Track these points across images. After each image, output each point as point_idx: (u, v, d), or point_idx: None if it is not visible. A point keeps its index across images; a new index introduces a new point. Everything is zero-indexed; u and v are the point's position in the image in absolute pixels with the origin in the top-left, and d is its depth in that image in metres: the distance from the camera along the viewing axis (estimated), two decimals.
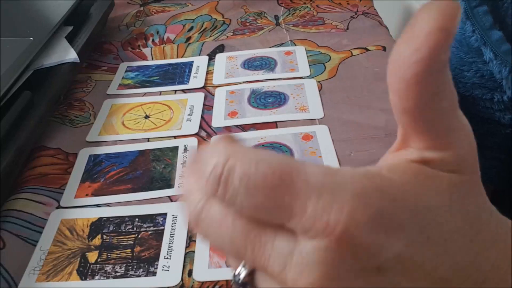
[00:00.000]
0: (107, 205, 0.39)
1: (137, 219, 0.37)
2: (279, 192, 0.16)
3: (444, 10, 0.15)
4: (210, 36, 0.64)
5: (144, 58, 0.60)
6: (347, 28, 0.62)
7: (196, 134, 0.46)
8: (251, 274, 0.18)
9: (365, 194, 0.16)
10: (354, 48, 0.58)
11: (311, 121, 0.46)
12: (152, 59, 0.60)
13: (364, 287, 0.16)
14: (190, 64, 0.57)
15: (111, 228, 0.37)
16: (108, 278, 0.33)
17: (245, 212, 0.16)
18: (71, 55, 0.52)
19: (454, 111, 0.17)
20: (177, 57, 0.59)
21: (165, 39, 0.64)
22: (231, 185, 0.16)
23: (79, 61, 0.52)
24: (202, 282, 0.32)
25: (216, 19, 0.68)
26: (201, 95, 0.52)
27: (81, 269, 0.34)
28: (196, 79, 0.54)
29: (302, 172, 0.16)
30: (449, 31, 0.15)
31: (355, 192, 0.15)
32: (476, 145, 0.18)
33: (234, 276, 0.18)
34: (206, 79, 0.54)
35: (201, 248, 0.35)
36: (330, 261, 0.15)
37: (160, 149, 0.44)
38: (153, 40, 0.64)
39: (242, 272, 0.18)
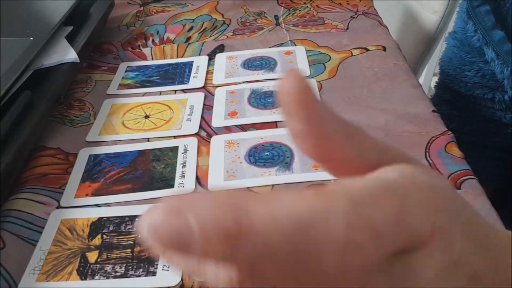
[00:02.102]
0: (107, 205, 0.39)
1: (137, 219, 0.37)
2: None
3: (292, 89, 0.15)
4: (210, 36, 0.63)
5: (144, 58, 0.60)
6: (347, 28, 0.62)
7: (196, 134, 0.46)
8: None
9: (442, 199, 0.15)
10: (354, 48, 0.58)
11: None
12: (152, 59, 0.60)
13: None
14: (190, 64, 0.57)
15: (111, 228, 0.37)
16: (108, 278, 0.33)
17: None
18: (71, 55, 0.52)
19: (358, 133, 0.17)
20: (177, 57, 0.59)
21: (165, 39, 0.64)
22: None
23: (79, 61, 0.52)
24: (202, 282, 0.32)
25: (216, 19, 0.68)
26: (201, 95, 0.52)
27: (81, 269, 0.34)
28: (196, 79, 0.54)
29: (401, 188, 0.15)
30: (308, 100, 0.15)
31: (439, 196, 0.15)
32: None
33: None
34: (206, 79, 0.54)
35: None
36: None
37: (160, 149, 0.44)
38: (153, 40, 0.64)
39: None
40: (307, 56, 0.57)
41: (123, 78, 0.56)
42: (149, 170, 0.42)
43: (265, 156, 0.42)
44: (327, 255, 0.12)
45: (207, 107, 0.50)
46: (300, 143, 0.16)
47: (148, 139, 0.46)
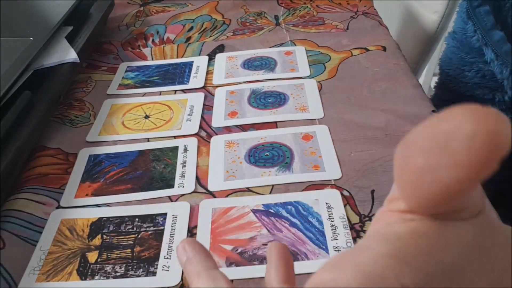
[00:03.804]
0: (107, 205, 0.39)
1: (137, 219, 0.37)
2: None
3: (498, 128, 0.12)
4: (210, 36, 0.63)
5: (144, 58, 0.60)
6: (347, 28, 0.62)
7: (196, 134, 0.46)
8: None
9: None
10: (354, 48, 0.58)
11: (311, 121, 0.46)
12: (152, 59, 0.60)
13: None
14: (190, 64, 0.57)
15: (111, 228, 0.37)
16: (108, 278, 0.33)
17: None
18: (71, 55, 0.52)
19: None
20: (177, 57, 0.59)
21: (165, 39, 0.64)
22: None
23: (79, 61, 0.52)
24: None
25: (216, 19, 0.68)
26: (201, 95, 0.52)
27: (81, 269, 0.34)
28: (196, 79, 0.54)
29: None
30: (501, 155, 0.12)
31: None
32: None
33: None
34: (206, 79, 0.54)
35: None
36: None
37: (160, 149, 0.44)
38: (153, 40, 0.64)
39: None
40: (307, 56, 0.57)
41: (123, 78, 0.56)
42: (149, 170, 0.42)
43: (265, 156, 0.42)
44: None
45: (207, 107, 0.50)
46: None
47: (148, 139, 0.46)
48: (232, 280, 0.32)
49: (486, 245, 0.15)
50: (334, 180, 0.39)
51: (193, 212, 0.37)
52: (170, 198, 0.39)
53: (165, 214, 0.37)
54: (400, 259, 0.14)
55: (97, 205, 0.39)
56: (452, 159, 0.12)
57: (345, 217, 0.36)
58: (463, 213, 0.15)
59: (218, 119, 0.48)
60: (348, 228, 0.35)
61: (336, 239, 0.34)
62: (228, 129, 0.46)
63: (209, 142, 0.45)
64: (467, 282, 0.15)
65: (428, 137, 0.13)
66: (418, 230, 0.15)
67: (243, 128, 0.46)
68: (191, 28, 0.66)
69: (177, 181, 0.40)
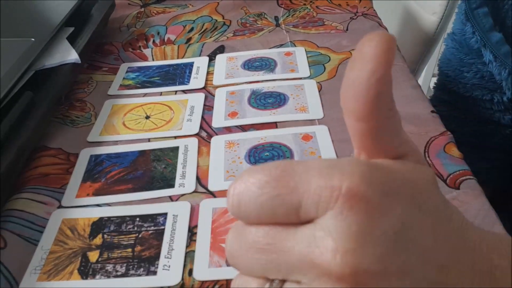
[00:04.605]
0: (108, 204, 0.39)
1: (137, 219, 0.37)
2: (284, 180, 0.17)
3: (385, 37, 0.17)
4: (210, 37, 0.64)
5: (144, 59, 0.60)
6: (347, 29, 0.63)
7: (197, 135, 0.46)
8: None
9: (361, 164, 0.17)
10: (354, 49, 0.58)
11: (311, 122, 0.46)
12: (153, 59, 0.60)
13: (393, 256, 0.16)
14: (191, 64, 0.58)
15: (112, 228, 0.37)
16: (109, 277, 0.33)
17: (263, 219, 0.17)
18: (72, 56, 0.52)
19: (401, 122, 0.19)
20: (178, 58, 0.60)
21: (165, 40, 0.64)
22: (242, 204, 0.17)
23: (80, 62, 0.52)
24: (203, 282, 0.33)
25: (217, 20, 0.68)
26: (201, 96, 0.52)
27: (82, 268, 0.34)
28: (197, 80, 0.55)
29: (302, 162, 0.17)
30: (393, 51, 0.17)
31: (351, 163, 0.17)
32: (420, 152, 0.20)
33: None
34: (206, 80, 0.55)
35: (202, 248, 0.35)
36: (348, 224, 0.16)
37: (160, 149, 0.44)
38: (153, 41, 0.64)
39: None
40: (307, 57, 0.57)
41: (124, 78, 0.56)
42: (150, 170, 0.42)
43: (265, 156, 0.43)
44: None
45: (208, 107, 0.50)
46: (353, 93, 0.18)
47: (149, 140, 0.46)
48: None
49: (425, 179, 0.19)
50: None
51: (194, 212, 0.38)
52: (171, 198, 0.39)
53: (166, 214, 0.38)
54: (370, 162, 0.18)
55: (98, 205, 0.39)
56: (366, 59, 0.17)
57: None
58: (410, 158, 0.19)
59: (218, 120, 0.48)
60: None
61: None
62: (228, 130, 0.47)
63: (210, 142, 0.45)
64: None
65: (353, 58, 0.18)
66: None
67: (243, 128, 0.47)
68: (192, 29, 0.66)
69: (178, 181, 0.41)
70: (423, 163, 0.20)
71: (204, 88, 0.53)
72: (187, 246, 0.35)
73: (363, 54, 0.17)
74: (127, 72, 0.57)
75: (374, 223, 0.16)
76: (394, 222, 0.16)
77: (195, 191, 0.40)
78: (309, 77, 0.53)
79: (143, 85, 0.55)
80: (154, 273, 0.33)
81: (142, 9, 0.73)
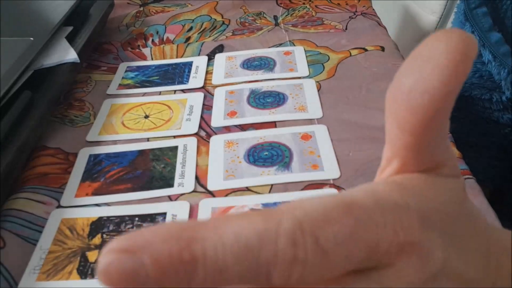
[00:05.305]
0: (107, 204, 0.39)
1: (137, 219, 0.37)
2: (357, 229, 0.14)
3: (465, 38, 0.14)
4: (209, 36, 0.64)
5: (143, 58, 0.60)
6: (346, 28, 0.63)
7: (196, 134, 0.46)
8: None
9: (402, 198, 0.15)
10: (353, 48, 0.58)
11: (310, 121, 0.46)
12: (152, 59, 0.60)
13: None
14: (190, 64, 0.58)
15: (111, 228, 0.37)
16: None
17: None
18: (71, 55, 0.52)
19: (448, 128, 0.16)
20: (177, 57, 0.60)
21: (164, 39, 0.64)
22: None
23: (79, 61, 0.52)
24: None
25: (216, 19, 0.68)
26: (200, 95, 0.52)
27: (81, 268, 0.34)
28: (196, 79, 0.55)
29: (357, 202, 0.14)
30: (472, 58, 0.14)
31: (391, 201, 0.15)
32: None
33: None
34: (205, 79, 0.54)
35: None
36: (407, 275, 0.14)
37: (159, 149, 0.44)
38: (152, 40, 0.64)
39: None
40: (306, 56, 0.57)
41: (123, 78, 0.56)
42: (149, 169, 0.42)
43: (264, 155, 0.43)
44: (276, 274, 0.13)
45: (207, 107, 0.50)
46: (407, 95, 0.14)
47: (147, 139, 0.46)
48: None
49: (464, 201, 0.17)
50: (333, 179, 0.40)
51: (193, 212, 0.38)
52: (170, 198, 0.39)
53: (165, 213, 0.38)
54: (400, 186, 0.16)
55: (97, 205, 0.39)
56: (435, 64, 0.14)
57: None
58: (444, 169, 0.17)
59: (217, 119, 0.48)
60: None
61: None
62: (227, 129, 0.47)
63: (209, 141, 0.45)
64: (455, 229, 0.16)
65: (411, 60, 0.15)
66: (410, 176, 0.17)
67: (242, 127, 0.47)
68: (191, 28, 0.66)
69: (177, 180, 0.41)
70: (457, 174, 0.18)
71: (203, 87, 0.53)
72: None
73: (431, 59, 0.14)
74: (126, 71, 0.57)
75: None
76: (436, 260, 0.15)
77: (194, 191, 0.40)
78: (308, 77, 0.53)
79: (142, 84, 0.55)
80: None
81: (141, 8, 0.73)
